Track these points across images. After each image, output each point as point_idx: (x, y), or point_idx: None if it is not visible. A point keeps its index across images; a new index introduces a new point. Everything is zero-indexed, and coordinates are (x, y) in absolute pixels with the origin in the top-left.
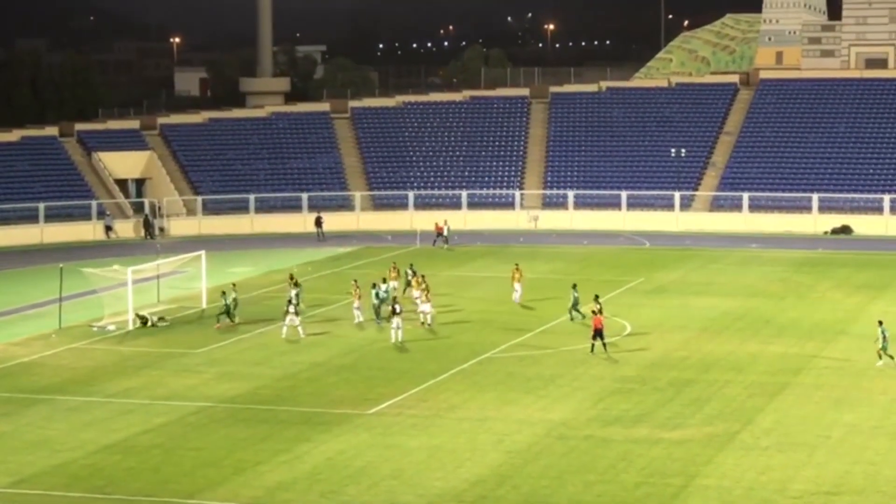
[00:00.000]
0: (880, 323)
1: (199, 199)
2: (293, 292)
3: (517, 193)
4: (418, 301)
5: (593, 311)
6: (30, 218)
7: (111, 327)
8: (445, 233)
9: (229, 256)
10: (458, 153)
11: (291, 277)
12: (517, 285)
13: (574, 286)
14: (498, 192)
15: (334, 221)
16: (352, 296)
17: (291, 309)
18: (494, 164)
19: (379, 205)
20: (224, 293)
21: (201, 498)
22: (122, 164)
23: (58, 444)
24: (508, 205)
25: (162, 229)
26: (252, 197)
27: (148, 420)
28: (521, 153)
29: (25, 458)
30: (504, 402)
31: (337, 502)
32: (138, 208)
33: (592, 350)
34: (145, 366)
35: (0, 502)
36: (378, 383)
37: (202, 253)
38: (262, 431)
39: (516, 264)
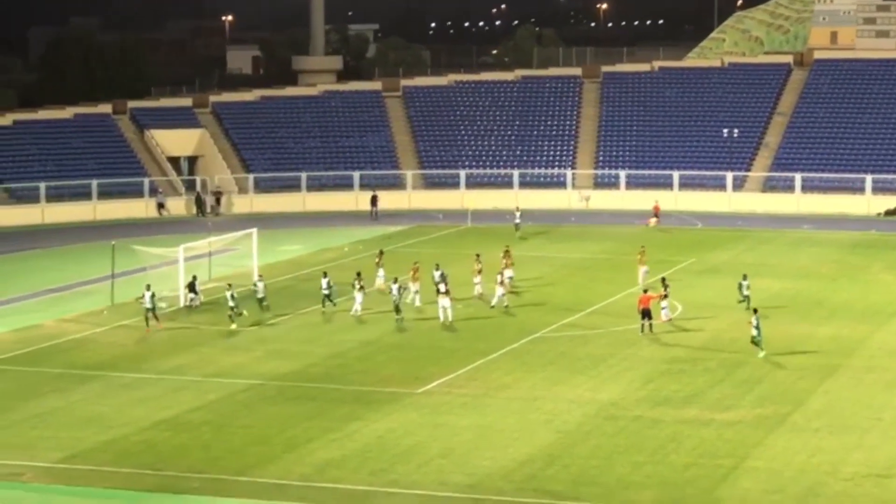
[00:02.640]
0: None
1: (251, 176)
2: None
3: (569, 173)
4: (478, 284)
5: (644, 290)
6: (83, 195)
7: (163, 304)
8: (518, 218)
9: (280, 234)
10: (509, 132)
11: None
12: (643, 269)
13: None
14: (549, 171)
15: (386, 200)
16: (410, 278)
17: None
18: (546, 143)
19: (430, 184)
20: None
21: (251, 475)
22: (175, 141)
23: (109, 420)
24: (560, 184)
25: (214, 207)
26: (304, 175)
27: (198, 397)
28: (572, 133)
29: (77, 433)
30: (554, 382)
31: (386, 481)
32: (190, 186)
33: (643, 331)
34: (196, 343)
35: (52, 477)
36: (428, 362)
37: (253, 231)
38: (312, 409)
39: (642, 247)
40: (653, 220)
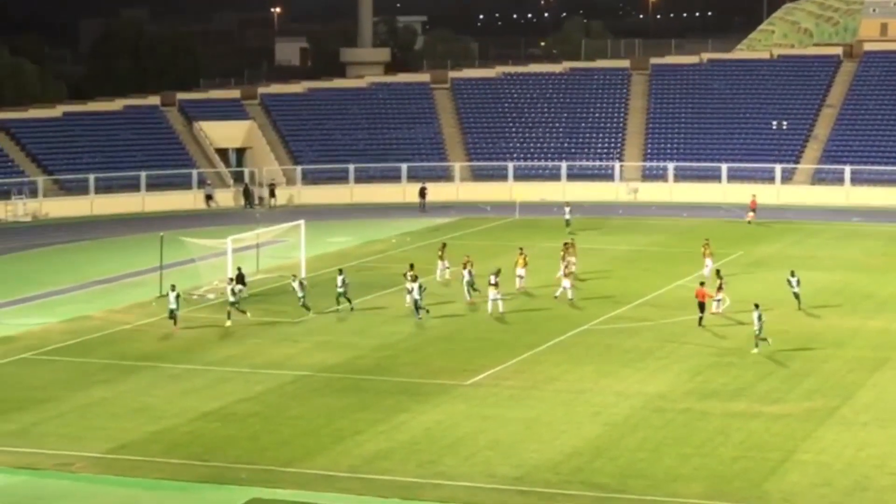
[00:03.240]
0: None
1: (299, 168)
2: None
3: (617, 165)
4: (521, 277)
5: (701, 283)
6: (131, 186)
7: (211, 296)
8: (568, 214)
9: (328, 226)
10: (557, 125)
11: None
12: (709, 261)
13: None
14: (597, 163)
15: (434, 192)
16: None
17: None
18: (594, 135)
19: (478, 175)
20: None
21: (299, 466)
22: (223, 133)
23: (158, 410)
24: (608, 177)
25: (262, 199)
26: (351, 167)
27: (247, 388)
28: (621, 125)
29: (126, 424)
30: (601, 375)
31: (434, 472)
32: (238, 178)
33: (700, 323)
34: (244, 334)
35: (101, 468)
36: (476, 354)
37: (301, 222)
38: (361, 401)
39: (706, 239)
40: (750, 215)
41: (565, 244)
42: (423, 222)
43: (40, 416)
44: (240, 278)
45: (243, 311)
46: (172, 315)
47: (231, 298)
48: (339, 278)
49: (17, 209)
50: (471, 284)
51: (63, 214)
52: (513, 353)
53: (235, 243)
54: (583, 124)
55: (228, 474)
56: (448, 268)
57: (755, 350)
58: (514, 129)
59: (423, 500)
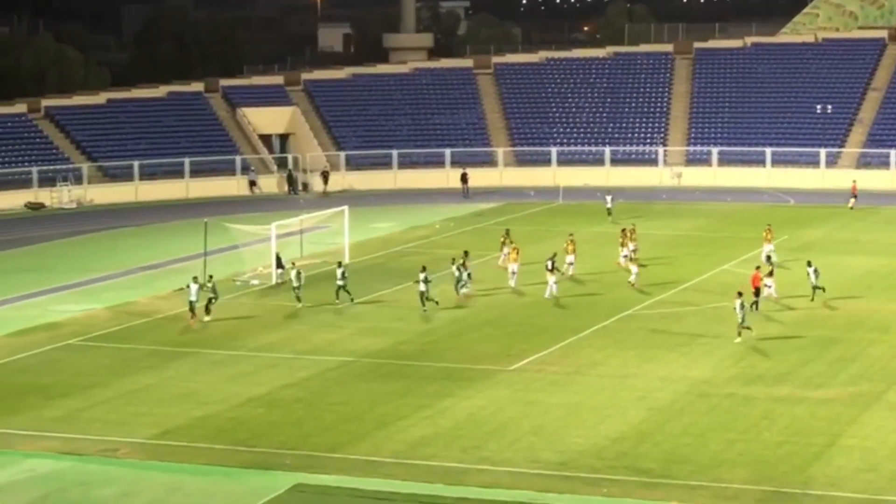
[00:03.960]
0: None
1: (342, 154)
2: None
3: (660, 150)
4: (571, 264)
5: (757, 267)
6: (175, 173)
7: (255, 282)
8: (609, 203)
9: (371, 212)
10: (600, 109)
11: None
12: (768, 246)
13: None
14: (641, 148)
15: (477, 177)
16: (507, 259)
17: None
18: (637, 120)
19: (522, 161)
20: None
21: (343, 452)
22: (267, 119)
23: (202, 396)
24: (651, 161)
25: (306, 185)
26: (395, 153)
27: (291, 374)
28: (664, 110)
29: (171, 410)
30: (645, 360)
31: (478, 458)
32: (282, 163)
33: (757, 308)
34: (288, 320)
35: (146, 453)
36: (519, 339)
37: (345, 208)
38: (404, 386)
39: (768, 225)
40: (852, 201)
41: (624, 231)
42: (467, 208)
43: (86, 402)
44: (277, 262)
45: (298, 299)
46: (192, 307)
47: (295, 283)
48: (339, 271)
49: (63, 196)
50: (458, 281)
51: (107, 201)
52: (556, 338)
53: (279, 229)
54: (626, 109)
55: (273, 460)
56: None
57: (738, 340)
58: (557, 115)
59: (466, 486)
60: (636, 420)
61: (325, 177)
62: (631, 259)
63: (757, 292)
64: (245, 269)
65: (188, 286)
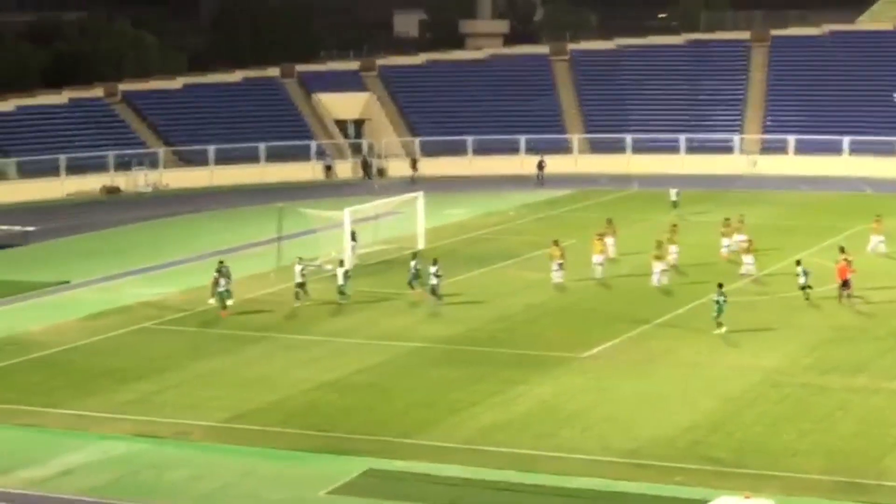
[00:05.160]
0: None
1: (417, 140)
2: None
3: (736, 138)
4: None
5: (847, 260)
6: (251, 158)
7: (328, 267)
8: (674, 196)
9: (446, 198)
10: (676, 97)
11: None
12: (877, 238)
13: (414, 255)
14: (717, 136)
15: (551, 164)
16: (553, 256)
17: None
18: (713, 108)
19: (596, 148)
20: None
21: (416, 438)
22: (342, 105)
23: (275, 381)
24: (727, 149)
25: (380, 170)
26: (470, 139)
27: (363, 360)
28: (740, 97)
29: (244, 394)
30: (718, 348)
31: (550, 445)
32: (356, 149)
33: (840, 299)
34: (359, 306)
35: (219, 437)
36: (593, 326)
37: (419, 194)
38: (477, 373)
39: (878, 214)
40: None
41: (727, 221)
42: (541, 195)
43: (159, 385)
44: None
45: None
46: (302, 288)
47: (341, 280)
48: (340, 271)
49: (139, 180)
50: (415, 277)
51: (183, 185)
52: (630, 326)
53: (353, 215)
54: (702, 96)
55: (345, 445)
56: (612, 244)
57: (718, 331)
58: (632, 102)
59: (538, 473)
60: (708, 409)
61: (413, 163)
62: (747, 249)
63: (845, 284)
64: (318, 255)
65: (216, 279)
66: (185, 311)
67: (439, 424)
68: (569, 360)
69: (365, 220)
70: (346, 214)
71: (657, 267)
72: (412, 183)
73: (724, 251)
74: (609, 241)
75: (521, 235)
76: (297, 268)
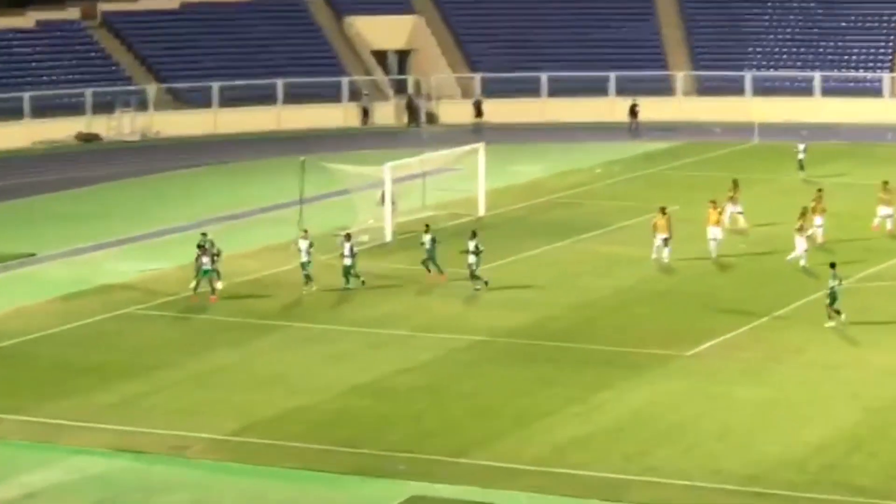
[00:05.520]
0: None
1: (478, 77)
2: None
3: (886, 77)
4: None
5: None
6: (265, 97)
7: (363, 237)
8: (802, 152)
9: (513, 151)
10: (809, 25)
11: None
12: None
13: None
14: (861, 75)
15: (650, 108)
16: (657, 228)
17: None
18: (857, 39)
19: (706, 89)
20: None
21: (472, 456)
22: (382, 31)
23: (295, 382)
24: (874, 92)
25: (430, 115)
26: (544, 76)
27: (407, 356)
28: (891, 26)
29: (256, 397)
30: (859, 345)
31: (643, 467)
32: (400, 88)
33: None
34: (403, 288)
35: (224, 452)
36: (701, 316)
37: (479, 146)
38: (551, 374)
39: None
40: None
41: (886, 184)
42: (635, 147)
43: (148, 385)
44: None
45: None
46: (305, 271)
47: (347, 261)
48: (346, 246)
49: (122, 125)
50: (430, 254)
51: (180, 132)
52: (749, 317)
53: (396, 172)
54: (842, 24)
55: (383, 464)
56: (741, 212)
57: (829, 324)
58: (752, 30)
59: (628, 502)
60: (848, 423)
61: (477, 107)
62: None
63: None
64: (353, 223)
65: (297, 243)
66: (180, 293)
67: (503, 439)
68: (669, 359)
69: (409, 178)
70: (387, 171)
71: (802, 243)
72: (474, 132)
73: (876, 222)
74: (733, 208)
75: (609, 200)
76: (303, 244)
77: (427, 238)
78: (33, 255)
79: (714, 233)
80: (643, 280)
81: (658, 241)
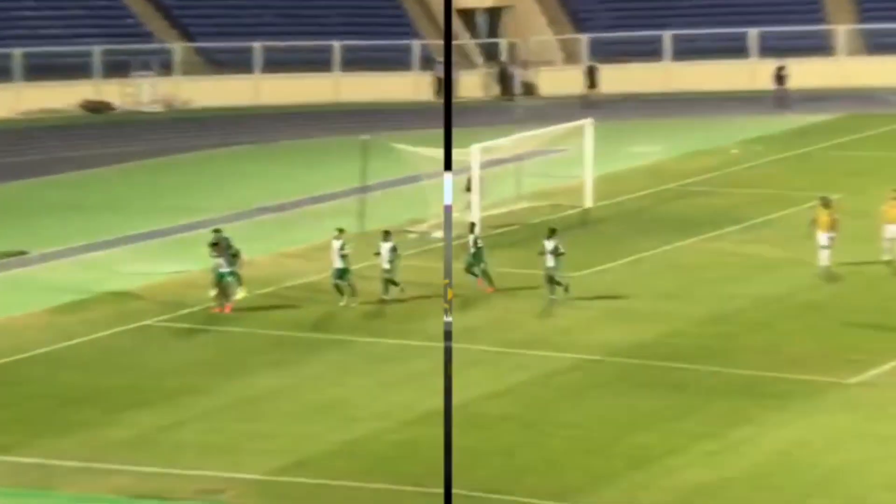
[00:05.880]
0: None
1: (585, 38)
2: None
3: None
4: None
5: None
6: (320, 63)
7: (437, 233)
8: None
9: (629, 128)
10: None
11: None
12: None
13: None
14: None
15: (802, 72)
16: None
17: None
18: None
19: (875, 47)
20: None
21: (576, 500)
22: None
23: (354, 409)
24: None
25: (526, 86)
26: (666, 35)
27: (495, 378)
28: None
29: (308, 428)
30: None
31: None
32: (490, 53)
33: None
34: (491, 296)
35: (267, 496)
36: (866, 336)
37: (587, 122)
38: (676, 403)
39: None
40: None
41: None
42: (784, 121)
43: (172, 416)
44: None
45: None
46: (343, 278)
47: (386, 265)
48: (385, 248)
49: (140, 92)
50: (475, 258)
51: (211, 103)
52: None
53: (484, 154)
54: None
55: None
56: None
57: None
58: None
59: None
60: None
61: (591, 74)
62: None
63: None
64: (426, 216)
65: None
66: (211, 301)
67: (614, 481)
68: (825, 388)
69: (501, 162)
70: (474, 153)
71: None
72: (584, 106)
73: None
74: None
75: (749, 188)
76: (335, 244)
77: (549, 245)
78: (25, 253)
79: (891, 231)
80: (793, 288)
81: (823, 239)
